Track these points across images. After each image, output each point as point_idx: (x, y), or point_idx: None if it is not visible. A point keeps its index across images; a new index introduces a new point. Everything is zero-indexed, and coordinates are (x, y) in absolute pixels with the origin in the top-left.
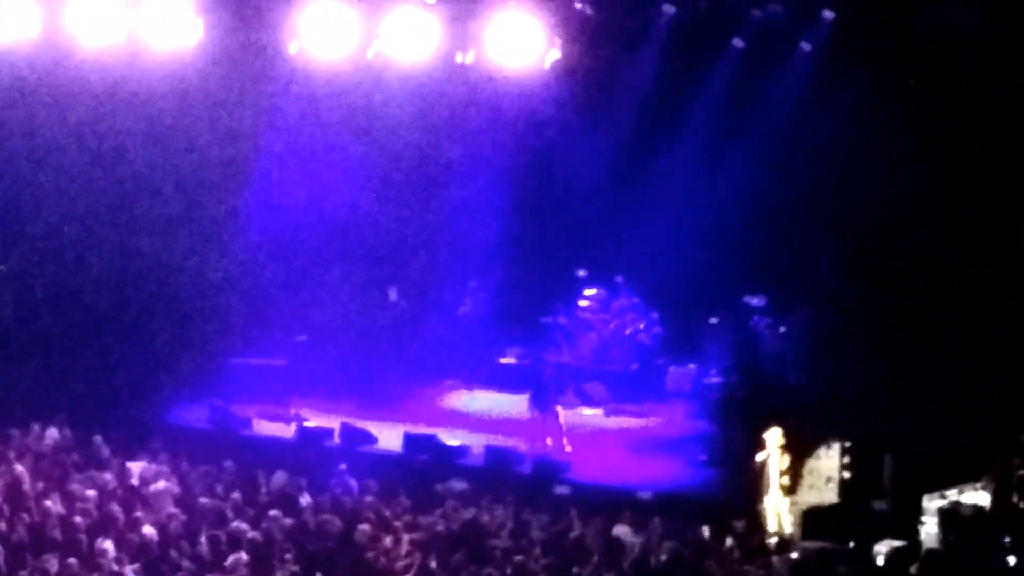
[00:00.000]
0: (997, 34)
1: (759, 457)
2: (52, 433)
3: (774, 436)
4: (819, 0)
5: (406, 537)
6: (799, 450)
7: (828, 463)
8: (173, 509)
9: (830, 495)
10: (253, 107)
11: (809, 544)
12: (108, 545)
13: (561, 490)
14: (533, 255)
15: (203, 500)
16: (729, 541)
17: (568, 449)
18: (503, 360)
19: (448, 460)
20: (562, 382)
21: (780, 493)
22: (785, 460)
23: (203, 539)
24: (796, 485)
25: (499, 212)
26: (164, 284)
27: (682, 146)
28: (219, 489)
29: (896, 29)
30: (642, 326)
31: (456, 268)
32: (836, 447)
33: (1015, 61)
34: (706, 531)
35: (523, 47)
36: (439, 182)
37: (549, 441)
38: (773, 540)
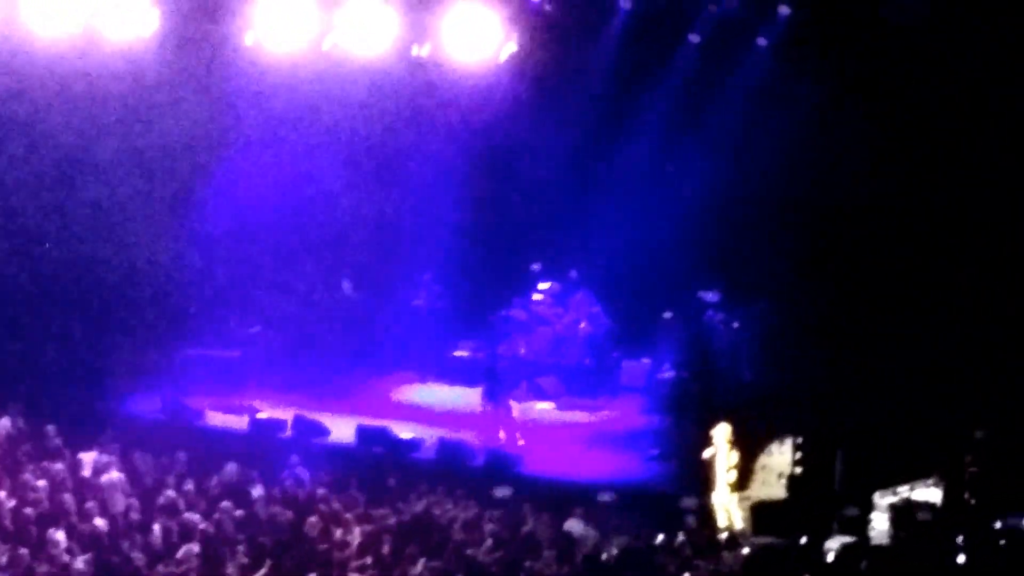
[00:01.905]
0: (950, 27)
1: (706, 453)
2: (4, 423)
3: (722, 432)
4: None
5: (357, 529)
6: (750, 446)
7: (780, 459)
8: (125, 500)
9: (782, 491)
10: (209, 98)
11: (760, 540)
12: (59, 536)
13: (502, 492)
14: (487, 248)
15: (155, 491)
16: (680, 536)
17: (521, 442)
18: (457, 353)
19: (400, 453)
20: (516, 375)
21: (728, 489)
22: (734, 456)
23: (155, 530)
24: (747, 481)
25: (454, 205)
26: (118, 274)
27: (638, 140)
28: (171, 480)
29: (851, 24)
30: (584, 323)
31: (410, 261)
32: (788, 443)
33: (969, 53)
34: (660, 537)
35: (479, 40)
36: (394, 174)
37: (502, 434)
38: (724, 535)
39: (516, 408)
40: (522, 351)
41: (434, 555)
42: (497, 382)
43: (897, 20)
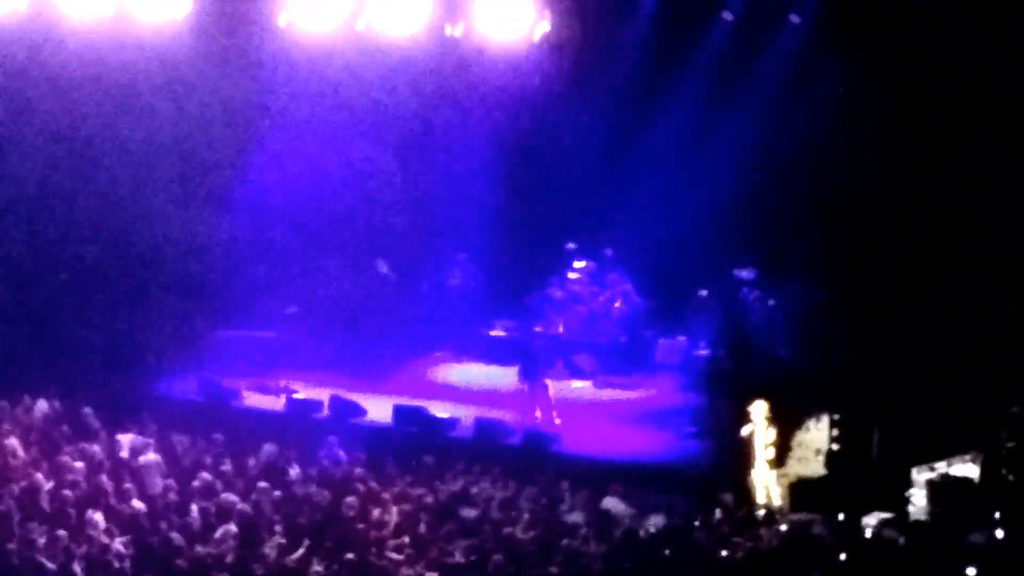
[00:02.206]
0: (983, 7)
1: (744, 430)
2: (42, 405)
3: (759, 409)
4: None
5: (395, 509)
6: (787, 423)
7: (817, 435)
8: (163, 481)
9: (819, 467)
10: (242, 80)
11: (797, 516)
12: (98, 517)
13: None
14: (522, 228)
15: (192, 472)
16: (718, 513)
17: (557, 421)
18: (492, 332)
19: (437, 432)
20: (551, 354)
21: (767, 466)
22: (772, 433)
23: (192, 511)
24: (785, 457)
25: (488, 184)
26: (153, 256)
27: (672, 118)
28: (208, 461)
29: (884, 2)
30: (620, 302)
31: (445, 240)
32: (825, 420)
33: (1001, 32)
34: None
35: (513, 20)
36: (428, 154)
37: (538, 413)
38: (761, 512)
39: (552, 386)
40: (559, 330)
41: (471, 534)
42: (533, 360)
43: (925, 6)
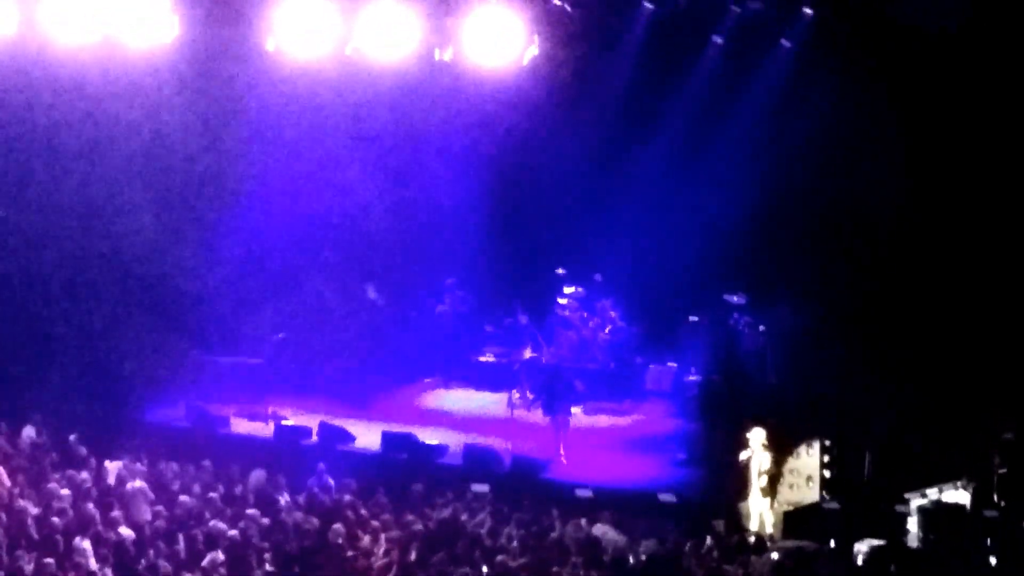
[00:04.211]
0: (975, 29)
1: (743, 456)
2: (28, 432)
3: (757, 436)
4: None
5: (384, 536)
6: (779, 449)
7: (809, 462)
8: (150, 508)
9: (811, 494)
10: (230, 105)
11: (789, 543)
12: (85, 544)
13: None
14: (512, 253)
15: (181, 499)
16: (708, 540)
17: (564, 460)
18: (481, 358)
19: (426, 459)
20: (574, 385)
21: (761, 493)
22: (766, 460)
23: (180, 538)
24: (776, 484)
25: (478, 209)
26: (141, 283)
27: (662, 143)
28: (197, 488)
29: (876, 25)
30: (609, 328)
31: (434, 266)
32: (816, 446)
33: (993, 55)
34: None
35: (502, 44)
36: (417, 179)
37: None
38: (752, 539)
39: (574, 419)
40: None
41: (461, 561)
42: (556, 391)
43: (916, 29)
